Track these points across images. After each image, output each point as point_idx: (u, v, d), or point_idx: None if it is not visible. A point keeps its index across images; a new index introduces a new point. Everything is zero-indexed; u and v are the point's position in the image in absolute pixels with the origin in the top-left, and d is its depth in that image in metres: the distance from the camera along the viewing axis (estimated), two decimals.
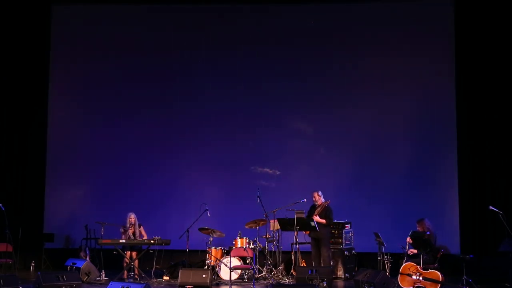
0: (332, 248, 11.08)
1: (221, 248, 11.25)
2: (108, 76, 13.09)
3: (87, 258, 11.48)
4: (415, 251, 10.05)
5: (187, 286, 9.90)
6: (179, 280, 10.02)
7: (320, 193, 11.02)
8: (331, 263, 10.92)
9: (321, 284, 9.59)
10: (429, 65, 12.54)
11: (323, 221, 10.71)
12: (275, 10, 12.95)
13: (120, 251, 10.94)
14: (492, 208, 10.05)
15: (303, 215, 10.98)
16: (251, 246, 11.02)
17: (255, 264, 10.95)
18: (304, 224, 10.66)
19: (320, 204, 10.92)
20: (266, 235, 11.09)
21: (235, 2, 13.08)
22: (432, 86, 12.49)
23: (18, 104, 12.91)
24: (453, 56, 12.40)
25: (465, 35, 12.34)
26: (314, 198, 11.02)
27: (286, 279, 10.70)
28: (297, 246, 10.94)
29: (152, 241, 10.77)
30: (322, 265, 10.61)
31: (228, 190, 12.66)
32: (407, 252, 10.11)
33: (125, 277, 10.99)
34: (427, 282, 9.45)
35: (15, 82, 12.90)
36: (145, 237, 11.11)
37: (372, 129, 12.57)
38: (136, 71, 13.03)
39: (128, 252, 11.09)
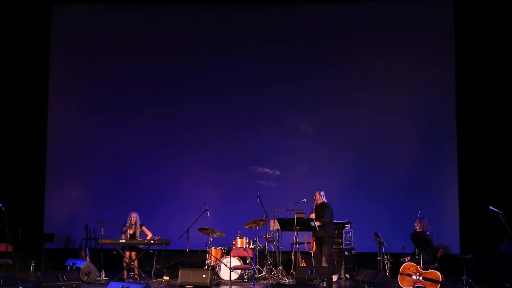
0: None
1: (221, 248, 11.24)
2: (108, 76, 13.09)
3: (87, 258, 11.48)
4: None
5: (187, 286, 9.89)
6: (179, 280, 10.02)
7: (322, 193, 10.97)
8: (335, 262, 10.89)
9: (321, 284, 9.59)
10: (429, 65, 12.54)
11: (317, 223, 10.63)
12: (275, 10, 12.94)
13: (120, 251, 10.94)
14: (492, 208, 10.04)
15: (303, 215, 10.98)
16: (251, 246, 11.02)
17: (255, 264, 10.95)
18: (304, 224, 10.66)
19: (319, 204, 10.93)
20: (266, 235, 11.09)
21: (235, 2, 13.09)
22: (432, 86, 12.49)
23: (18, 104, 12.90)
24: (453, 56, 12.41)
25: (465, 35, 12.34)
26: (314, 197, 10.99)
27: (286, 279, 10.69)
28: (297, 246, 10.95)
29: (152, 241, 10.78)
30: (325, 265, 10.61)
31: (228, 190, 12.66)
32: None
33: (125, 277, 10.98)
34: (427, 282, 9.45)
35: (15, 82, 12.89)
36: (149, 236, 11.10)
37: (372, 129, 12.57)
38: (136, 71, 13.03)
39: (128, 252, 11.07)
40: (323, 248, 10.81)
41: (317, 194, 10.98)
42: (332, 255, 10.89)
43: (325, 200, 10.97)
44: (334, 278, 10.32)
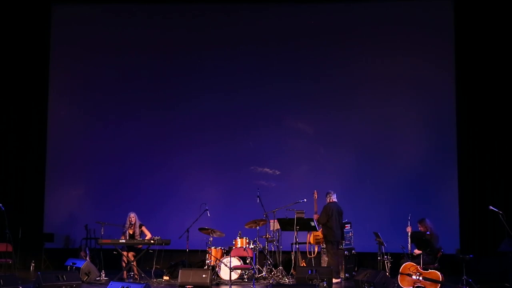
0: None
1: (221, 248, 11.24)
2: (108, 76, 13.09)
3: (87, 258, 11.48)
4: (419, 252, 9.95)
5: (187, 286, 9.89)
6: (179, 280, 10.02)
7: (329, 195, 10.99)
8: (339, 266, 10.88)
9: (321, 284, 9.59)
10: (429, 65, 12.54)
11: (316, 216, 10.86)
12: (275, 10, 12.96)
13: (120, 251, 10.94)
14: (492, 208, 10.05)
15: (303, 215, 11.00)
16: (251, 246, 11.02)
17: (255, 264, 10.95)
18: (304, 224, 10.67)
19: None
20: (266, 235, 11.10)
21: (235, 2, 13.09)
22: (432, 86, 12.51)
23: (18, 104, 12.91)
24: (453, 56, 12.41)
25: (465, 35, 12.35)
26: None
27: (286, 279, 10.69)
28: (297, 246, 10.96)
29: (152, 241, 10.78)
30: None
31: (228, 190, 12.67)
32: (411, 252, 10.06)
33: (125, 277, 10.98)
34: (427, 282, 9.46)
35: (15, 82, 12.89)
36: (148, 236, 11.09)
37: (372, 129, 12.58)
38: (136, 71, 13.03)
39: (125, 252, 11.02)
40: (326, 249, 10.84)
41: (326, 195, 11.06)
42: (335, 260, 10.75)
43: (330, 200, 10.96)
44: (334, 281, 10.28)
